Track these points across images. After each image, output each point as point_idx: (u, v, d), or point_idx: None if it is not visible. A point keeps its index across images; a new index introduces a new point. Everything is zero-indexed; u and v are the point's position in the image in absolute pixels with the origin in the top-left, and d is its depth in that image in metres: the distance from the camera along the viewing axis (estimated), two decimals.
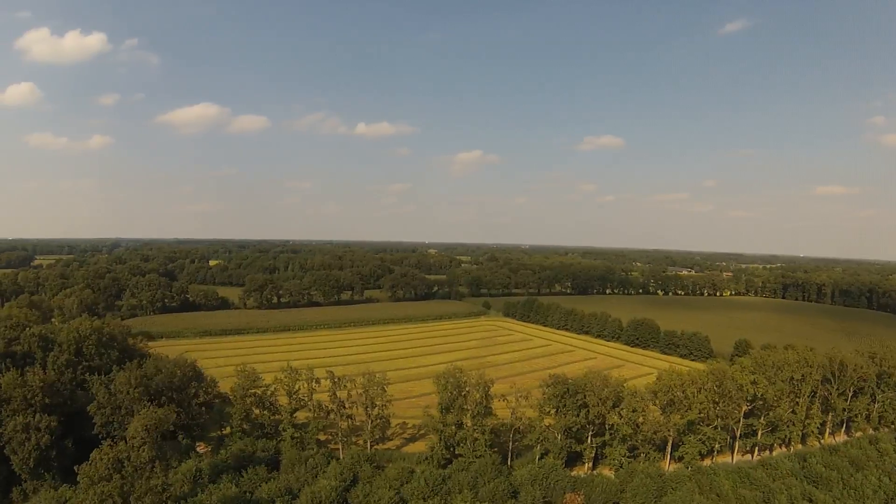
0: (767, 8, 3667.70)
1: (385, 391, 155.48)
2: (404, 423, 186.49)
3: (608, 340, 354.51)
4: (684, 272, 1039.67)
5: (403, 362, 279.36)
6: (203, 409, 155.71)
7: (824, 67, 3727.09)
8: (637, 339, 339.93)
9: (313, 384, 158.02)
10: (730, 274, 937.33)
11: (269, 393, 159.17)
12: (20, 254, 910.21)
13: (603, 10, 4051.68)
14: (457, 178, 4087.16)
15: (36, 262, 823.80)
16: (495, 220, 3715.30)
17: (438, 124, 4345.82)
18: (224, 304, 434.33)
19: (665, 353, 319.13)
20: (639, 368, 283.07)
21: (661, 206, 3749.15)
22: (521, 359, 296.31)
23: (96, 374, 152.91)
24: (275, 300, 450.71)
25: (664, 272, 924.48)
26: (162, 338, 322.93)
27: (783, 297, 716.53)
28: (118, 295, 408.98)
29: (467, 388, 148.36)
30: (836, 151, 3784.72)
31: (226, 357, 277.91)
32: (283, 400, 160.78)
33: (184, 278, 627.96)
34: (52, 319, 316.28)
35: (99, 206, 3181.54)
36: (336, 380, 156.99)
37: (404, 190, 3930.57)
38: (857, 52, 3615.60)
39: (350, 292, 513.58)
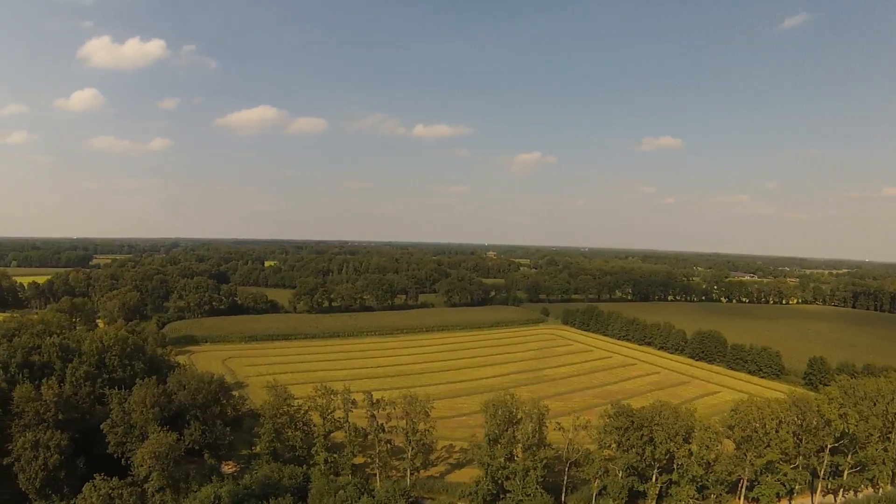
0: (829, 1, 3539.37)
1: (429, 415, 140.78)
2: (451, 445, 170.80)
3: (672, 353, 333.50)
4: (747, 277, 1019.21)
5: (455, 374, 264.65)
6: (228, 429, 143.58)
7: (890, 62, 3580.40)
8: (702, 352, 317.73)
9: (349, 406, 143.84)
10: (795, 281, 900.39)
11: (301, 413, 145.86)
12: (80, 253, 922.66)
13: (661, 6, 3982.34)
14: (516, 179, 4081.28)
15: (94, 262, 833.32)
16: (555, 222, 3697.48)
17: (496, 125, 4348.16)
18: (273, 308, 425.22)
19: (732, 369, 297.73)
20: (705, 386, 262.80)
21: (721, 208, 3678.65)
22: (579, 372, 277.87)
23: (117, 387, 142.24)
24: (326, 304, 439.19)
25: (726, 278, 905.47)
26: (206, 342, 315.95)
27: (853, 307, 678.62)
28: (166, 296, 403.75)
29: (520, 416, 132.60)
30: None
31: (268, 364, 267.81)
32: (316, 419, 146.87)
33: (236, 279, 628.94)
34: (97, 321, 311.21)
35: (160, 206, 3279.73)
36: (374, 401, 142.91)
37: (464, 191, 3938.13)
38: None
39: (404, 297, 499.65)
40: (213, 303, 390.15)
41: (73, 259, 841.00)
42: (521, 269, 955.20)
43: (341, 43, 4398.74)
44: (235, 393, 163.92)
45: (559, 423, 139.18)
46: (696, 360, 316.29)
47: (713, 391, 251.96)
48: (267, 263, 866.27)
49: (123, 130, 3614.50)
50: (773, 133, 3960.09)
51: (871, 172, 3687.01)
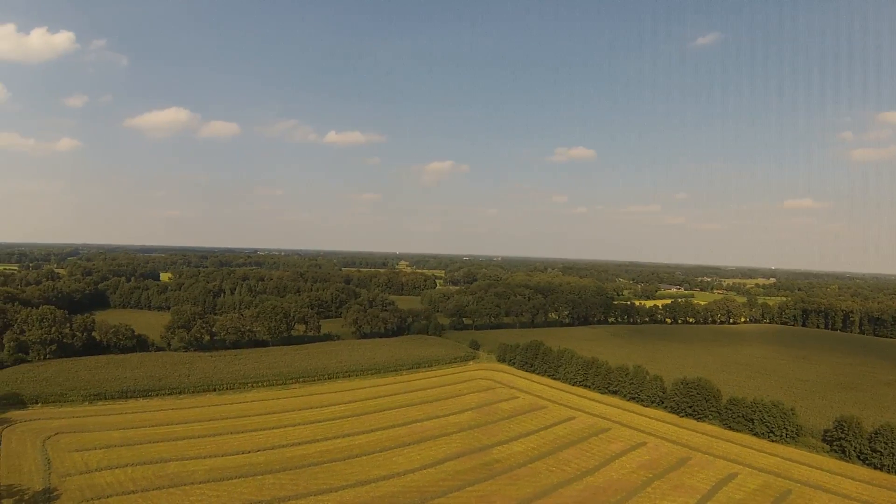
0: (741, 21, 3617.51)
1: None
2: None
3: (647, 406, 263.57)
4: (673, 290, 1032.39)
5: (365, 465, 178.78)
6: None
7: (795, 82, 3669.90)
8: (690, 406, 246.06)
9: None
10: (721, 294, 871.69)
11: None
12: None
13: (573, 19, 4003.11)
14: (428, 187, 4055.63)
15: None
16: (468, 230, 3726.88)
17: (410, 133, 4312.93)
18: (141, 345, 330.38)
19: (730, 429, 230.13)
20: (714, 464, 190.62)
21: (632, 217, 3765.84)
22: (541, 451, 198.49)
23: None
24: (207, 339, 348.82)
25: (657, 292, 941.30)
26: (37, 402, 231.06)
27: (804, 325, 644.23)
28: (4, 330, 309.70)
29: None
30: (806, 165, 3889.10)
31: (106, 446, 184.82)
32: None
33: (116, 300, 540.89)
34: None
35: (67, 210, 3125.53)
36: None
37: (375, 200, 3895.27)
38: (828, 67, 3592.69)
39: (304, 326, 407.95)
40: (64, 339, 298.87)
41: None
42: (438, 284, 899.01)
43: (256, 45, 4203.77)
44: None
45: None
46: (681, 417, 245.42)
47: (730, 473, 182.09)
48: (163, 276, 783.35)
49: (28, 127, 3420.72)
50: (683, 145, 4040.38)
51: (774, 185, 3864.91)
